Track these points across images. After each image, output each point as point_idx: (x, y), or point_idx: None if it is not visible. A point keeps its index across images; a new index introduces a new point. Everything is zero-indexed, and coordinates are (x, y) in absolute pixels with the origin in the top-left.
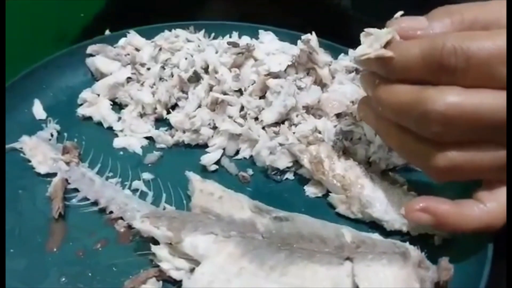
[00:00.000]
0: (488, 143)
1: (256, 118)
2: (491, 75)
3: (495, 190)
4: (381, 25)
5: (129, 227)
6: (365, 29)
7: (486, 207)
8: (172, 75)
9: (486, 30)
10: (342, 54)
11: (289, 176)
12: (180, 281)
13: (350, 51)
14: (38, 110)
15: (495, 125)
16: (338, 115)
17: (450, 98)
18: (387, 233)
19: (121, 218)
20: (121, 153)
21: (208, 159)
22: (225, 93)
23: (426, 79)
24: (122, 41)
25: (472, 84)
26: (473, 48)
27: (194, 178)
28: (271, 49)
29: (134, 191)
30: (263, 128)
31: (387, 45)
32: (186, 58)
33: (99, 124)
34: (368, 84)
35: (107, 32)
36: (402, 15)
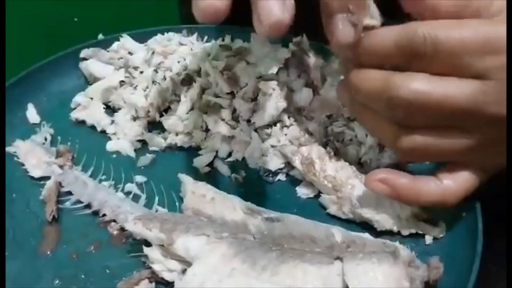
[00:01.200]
0: (451, 129)
1: (249, 120)
2: (457, 64)
3: (455, 171)
4: None
5: (122, 229)
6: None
7: (442, 184)
8: (165, 78)
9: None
10: (334, 56)
11: (281, 177)
12: (173, 283)
13: None
14: (32, 114)
15: (458, 112)
16: (330, 117)
17: (415, 85)
18: (378, 233)
19: (114, 220)
20: (114, 156)
21: (201, 161)
22: (217, 96)
23: (399, 65)
24: (115, 45)
25: (440, 72)
26: (441, 36)
27: (186, 180)
28: (263, 52)
29: (127, 193)
30: (255, 130)
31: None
32: (178, 62)
33: (93, 127)
34: (344, 69)
35: (100, 36)
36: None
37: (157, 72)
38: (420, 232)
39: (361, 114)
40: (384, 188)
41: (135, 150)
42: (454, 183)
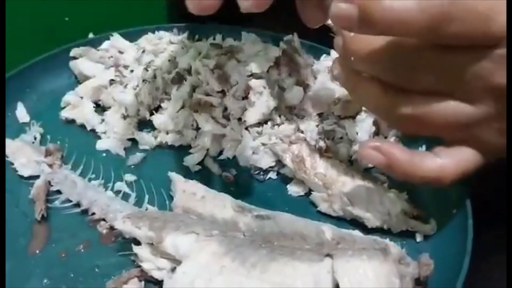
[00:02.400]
0: (452, 97)
1: (239, 119)
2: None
3: (453, 148)
4: None
5: (111, 228)
6: None
7: (439, 160)
8: (155, 77)
9: None
10: (324, 55)
11: (272, 175)
12: (162, 281)
13: (332, 51)
14: (21, 113)
15: (463, 77)
16: (320, 115)
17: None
18: (368, 231)
19: (104, 219)
20: (104, 155)
21: (192, 160)
22: (208, 94)
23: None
24: (105, 43)
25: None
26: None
27: (176, 178)
28: (253, 50)
29: (117, 192)
30: (246, 128)
31: None
32: (169, 60)
33: (82, 126)
34: (342, 37)
35: (91, 35)
36: None
37: (147, 70)
38: (411, 230)
39: (358, 86)
40: (378, 157)
41: (125, 149)
42: (452, 161)
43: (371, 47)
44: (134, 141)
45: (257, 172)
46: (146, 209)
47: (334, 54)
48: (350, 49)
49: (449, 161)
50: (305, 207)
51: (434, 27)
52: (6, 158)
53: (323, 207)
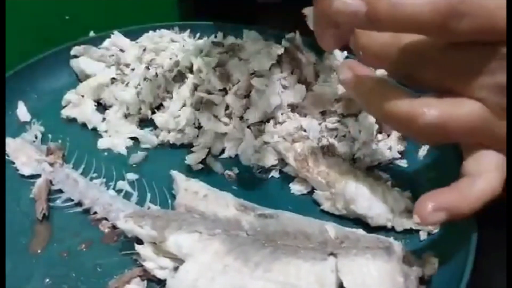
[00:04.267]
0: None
1: (241, 117)
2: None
3: (479, 158)
4: None
5: (114, 227)
6: None
7: (483, 179)
8: (156, 75)
9: None
10: (327, 53)
11: (275, 174)
12: (165, 280)
13: (336, 50)
14: (22, 112)
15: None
16: (323, 113)
17: None
18: (372, 229)
19: (106, 218)
20: (106, 153)
21: (193, 158)
22: (210, 93)
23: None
24: (106, 42)
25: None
26: None
27: (179, 177)
28: (255, 48)
29: (119, 191)
30: (248, 127)
31: None
32: (170, 58)
33: (84, 125)
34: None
35: (92, 33)
36: None
37: (148, 69)
38: (414, 228)
39: (369, 96)
40: (442, 216)
41: (126, 148)
42: (492, 172)
43: (380, 42)
44: (135, 139)
45: (259, 170)
46: (148, 208)
47: (336, 52)
48: (359, 43)
49: (491, 174)
50: (308, 205)
51: (444, 24)
52: (7, 157)
53: (326, 205)
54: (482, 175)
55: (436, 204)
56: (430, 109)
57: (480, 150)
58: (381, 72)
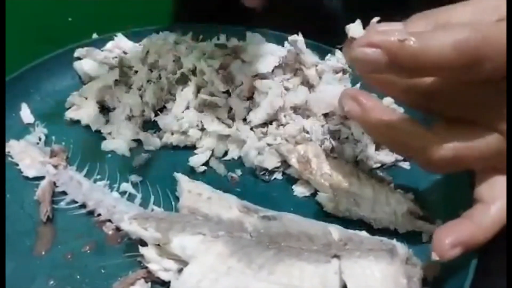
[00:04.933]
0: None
1: (244, 119)
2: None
3: (493, 183)
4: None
5: (118, 229)
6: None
7: (498, 206)
8: (159, 78)
9: None
10: (329, 54)
11: (278, 176)
12: (169, 282)
13: (337, 51)
14: (26, 114)
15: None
16: (326, 115)
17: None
18: (375, 231)
19: (109, 220)
20: (109, 155)
21: (197, 160)
22: (213, 95)
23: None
24: (109, 44)
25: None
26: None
27: (182, 179)
28: (258, 50)
29: (122, 193)
30: (251, 129)
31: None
32: (174, 61)
33: (87, 127)
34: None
35: (95, 35)
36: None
37: (152, 71)
38: (417, 230)
39: (380, 126)
40: (459, 251)
41: (130, 150)
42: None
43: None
44: (139, 141)
45: (262, 172)
46: (152, 210)
47: (339, 54)
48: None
49: (505, 200)
50: (311, 207)
51: (468, 68)
52: (11, 159)
53: (329, 207)
54: (496, 201)
55: (454, 240)
56: (446, 143)
57: (493, 176)
58: (388, 101)
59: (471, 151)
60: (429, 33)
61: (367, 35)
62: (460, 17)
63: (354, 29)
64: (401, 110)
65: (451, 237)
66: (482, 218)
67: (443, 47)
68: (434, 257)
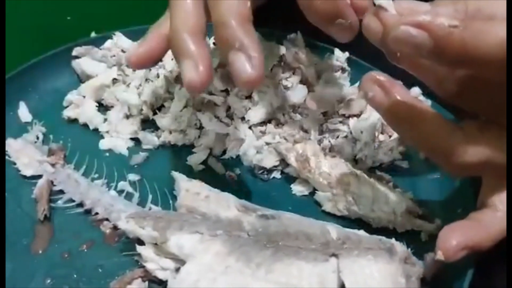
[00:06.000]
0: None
1: (243, 118)
2: None
3: (502, 189)
4: None
5: (115, 228)
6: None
7: (506, 211)
8: (158, 76)
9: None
10: (328, 53)
11: (276, 175)
12: (166, 281)
13: (336, 50)
14: (24, 112)
15: None
16: (324, 114)
17: None
18: (373, 230)
19: (107, 219)
20: (107, 154)
21: (195, 159)
22: (211, 93)
23: None
24: (108, 42)
25: None
26: None
27: (180, 178)
28: None
29: (120, 192)
30: (250, 127)
31: None
32: (172, 59)
33: (85, 126)
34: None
35: (93, 34)
36: None
37: (150, 69)
38: (416, 229)
39: (407, 120)
40: (464, 253)
41: (128, 148)
42: None
43: None
44: (137, 140)
45: (261, 171)
46: (150, 209)
47: (338, 52)
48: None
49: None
50: (310, 206)
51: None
52: (9, 158)
53: (327, 206)
54: (506, 207)
55: (461, 242)
56: (478, 146)
57: (503, 181)
58: (415, 92)
59: (503, 157)
60: (480, 23)
61: (414, 14)
62: (490, 7)
63: None
64: (428, 103)
65: (459, 239)
66: (491, 223)
67: (494, 41)
68: (439, 256)
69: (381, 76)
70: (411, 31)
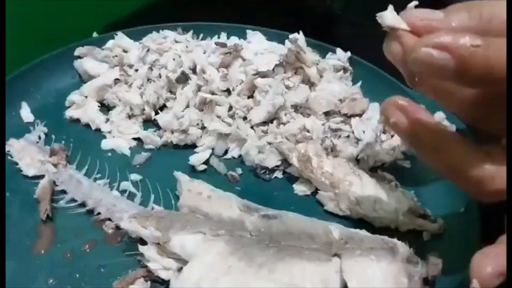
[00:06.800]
0: None
1: (245, 118)
2: None
3: None
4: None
5: (117, 228)
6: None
7: None
8: (160, 76)
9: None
10: (330, 53)
11: (278, 174)
12: (169, 281)
13: (338, 50)
14: (26, 112)
15: None
16: (326, 113)
17: None
18: (376, 230)
19: (109, 219)
20: (109, 154)
21: (197, 159)
22: (213, 93)
23: None
24: (110, 43)
25: None
26: None
27: (182, 178)
28: (259, 48)
29: (122, 192)
30: (252, 127)
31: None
32: (174, 59)
33: (87, 126)
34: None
35: (95, 34)
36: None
37: (152, 69)
38: (418, 229)
39: (431, 146)
40: (502, 278)
41: (130, 148)
42: None
43: None
44: (139, 140)
45: (263, 171)
46: (152, 209)
47: (340, 52)
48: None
49: None
50: (312, 206)
51: None
52: (11, 158)
53: (329, 206)
54: None
55: (496, 270)
56: (501, 176)
57: None
58: (439, 117)
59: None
60: (503, 40)
61: (435, 34)
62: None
63: (389, 17)
64: (453, 128)
65: (493, 266)
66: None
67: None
68: (475, 285)
69: (403, 101)
70: (432, 52)
